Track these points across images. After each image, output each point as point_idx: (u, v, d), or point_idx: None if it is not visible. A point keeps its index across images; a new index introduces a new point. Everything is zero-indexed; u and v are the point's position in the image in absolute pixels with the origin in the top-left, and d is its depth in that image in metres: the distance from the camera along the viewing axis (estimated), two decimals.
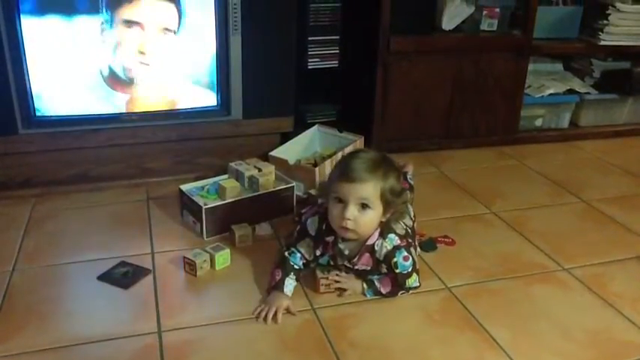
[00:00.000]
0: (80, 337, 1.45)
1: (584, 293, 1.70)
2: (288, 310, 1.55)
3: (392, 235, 1.59)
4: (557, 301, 1.66)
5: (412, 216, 1.80)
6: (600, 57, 3.00)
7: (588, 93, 2.93)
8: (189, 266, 1.71)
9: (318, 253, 1.63)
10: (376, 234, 1.58)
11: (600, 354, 1.45)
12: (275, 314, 1.53)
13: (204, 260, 1.72)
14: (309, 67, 2.49)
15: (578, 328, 1.54)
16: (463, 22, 2.65)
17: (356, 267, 1.62)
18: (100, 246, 1.85)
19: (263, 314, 1.53)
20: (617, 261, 1.87)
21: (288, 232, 1.89)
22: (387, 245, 1.58)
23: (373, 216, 1.53)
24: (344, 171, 1.52)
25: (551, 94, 2.85)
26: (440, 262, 1.81)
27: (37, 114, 2.05)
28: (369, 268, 1.62)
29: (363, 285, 1.63)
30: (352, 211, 1.50)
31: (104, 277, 1.68)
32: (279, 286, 1.59)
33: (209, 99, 2.23)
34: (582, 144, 2.89)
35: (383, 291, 1.62)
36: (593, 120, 3.01)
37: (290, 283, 1.60)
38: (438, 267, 1.79)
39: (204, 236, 1.90)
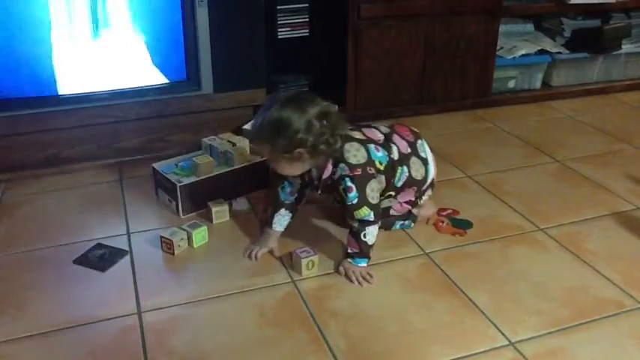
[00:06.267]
0: (59, 323, 1.43)
1: (560, 252, 1.72)
2: (271, 253, 1.68)
3: (342, 165, 1.55)
4: (534, 261, 1.68)
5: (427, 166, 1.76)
6: (570, 16, 3.00)
7: (559, 53, 2.94)
8: (167, 245, 1.70)
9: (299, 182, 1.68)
10: (329, 167, 1.57)
11: (577, 311, 1.48)
12: (257, 254, 1.66)
13: (182, 238, 1.70)
14: (280, 36, 2.45)
15: (555, 287, 1.56)
16: None
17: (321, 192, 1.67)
18: (74, 229, 1.82)
19: (247, 253, 1.67)
20: (591, 219, 1.89)
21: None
22: (339, 172, 1.56)
23: (292, 167, 1.55)
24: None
25: (523, 55, 2.85)
26: (417, 229, 1.82)
27: None
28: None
29: (344, 262, 1.63)
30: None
31: (80, 261, 1.66)
32: (268, 222, 1.70)
33: (178, 74, 2.19)
34: (555, 104, 2.91)
35: (350, 250, 1.61)
36: (565, 79, 3.02)
37: (279, 219, 1.69)
38: (415, 233, 1.79)
39: (181, 214, 1.88)
